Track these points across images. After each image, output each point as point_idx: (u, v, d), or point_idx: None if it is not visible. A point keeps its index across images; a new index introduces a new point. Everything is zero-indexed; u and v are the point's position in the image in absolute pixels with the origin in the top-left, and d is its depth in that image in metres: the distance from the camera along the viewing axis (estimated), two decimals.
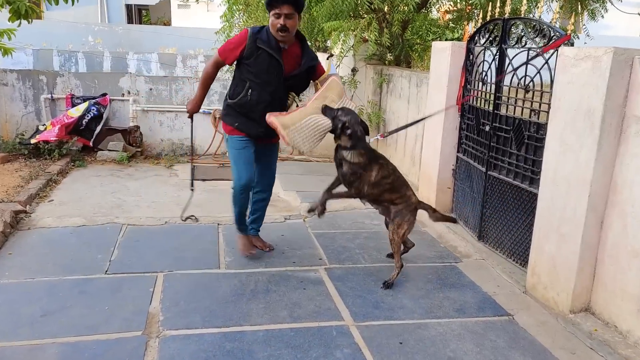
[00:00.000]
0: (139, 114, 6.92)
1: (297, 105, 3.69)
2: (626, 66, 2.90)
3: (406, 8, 6.11)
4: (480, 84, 4.45)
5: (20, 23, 6.33)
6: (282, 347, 2.84)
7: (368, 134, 3.62)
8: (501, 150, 4.10)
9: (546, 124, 3.47)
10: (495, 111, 4.16)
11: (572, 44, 3.38)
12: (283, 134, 3.33)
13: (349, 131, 3.41)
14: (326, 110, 3.48)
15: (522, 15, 3.97)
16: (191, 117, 3.95)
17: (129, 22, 24.70)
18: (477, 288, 3.71)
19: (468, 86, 4.70)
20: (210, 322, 3.03)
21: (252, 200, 3.93)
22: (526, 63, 3.75)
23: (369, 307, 3.34)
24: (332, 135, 3.55)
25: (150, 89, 7.04)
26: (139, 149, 6.88)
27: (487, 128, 4.22)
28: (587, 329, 3.11)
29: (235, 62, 3.62)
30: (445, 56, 4.85)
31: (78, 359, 2.64)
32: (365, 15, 6.24)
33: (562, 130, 3.26)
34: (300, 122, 3.36)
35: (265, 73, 3.50)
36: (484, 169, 4.31)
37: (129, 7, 25.39)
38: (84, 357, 2.65)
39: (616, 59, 2.86)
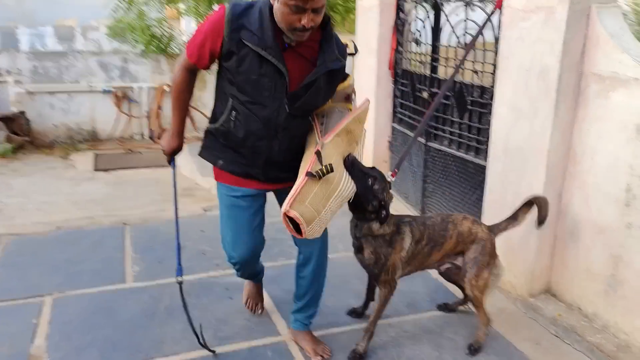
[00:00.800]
0: (23, 97, 5.91)
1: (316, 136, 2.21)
2: (582, 17, 2.52)
3: None
4: (414, 45, 4.00)
5: None
6: None
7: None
8: (442, 119, 3.69)
9: (492, 87, 3.08)
10: (433, 75, 3.73)
11: None
12: (305, 232, 2.00)
13: (384, 212, 2.30)
14: (353, 168, 2.21)
15: None
16: (170, 160, 2.41)
17: None
18: (425, 274, 3.32)
19: (400, 48, 4.24)
20: (112, 358, 2.42)
21: (298, 277, 2.54)
22: (464, 19, 3.32)
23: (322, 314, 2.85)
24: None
25: (35, 67, 6.02)
26: (27, 138, 5.90)
27: (425, 94, 3.79)
28: (550, 314, 2.81)
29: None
30: (373, 15, 4.34)
31: None
32: None
33: (512, 94, 2.87)
34: (326, 207, 2.06)
35: (255, 87, 2.08)
36: (423, 140, 3.90)
37: None
38: None
39: (572, 8, 2.47)
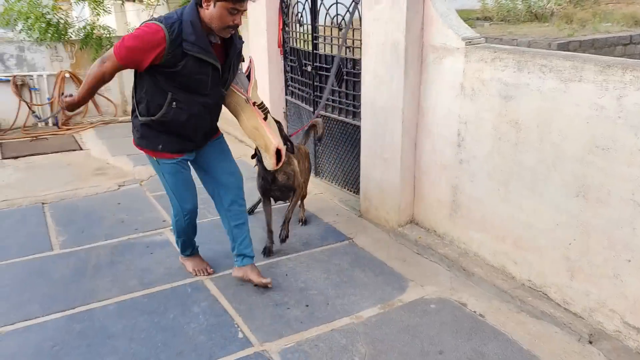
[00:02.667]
0: None
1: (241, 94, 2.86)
2: (419, 1, 3.20)
3: None
4: (298, 25, 4.56)
5: None
6: (136, 315, 2.78)
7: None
8: (323, 89, 4.31)
9: (360, 59, 3.72)
10: (315, 51, 4.32)
11: None
12: (284, 156, 2.94)
13: (288, 143, 3.10)
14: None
15: None
16: (63, 109, 2.71)
17: None
18: (319, 221, 3.97)
19: (287, 28, 4.78)
20: (52, 308, 2.82)
21: (230, 224, 3.04)
22: (336, 2, 3.93)
23: (220, 258, 3.39)
24: None
25: None
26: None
27: (309, 68, 4.38)
28: (413, 238, 3.56)
29: None
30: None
31: None
32: None
33: (374, 64, 3.53)
34: (278, 137, 2.91)
35: (197, 82, 2.58)
36: (311, 109, 4.51)
37: None
38: None
39: None
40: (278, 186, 3.32)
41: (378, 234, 3.74)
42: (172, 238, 3.63)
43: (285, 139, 3.07)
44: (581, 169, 2.51)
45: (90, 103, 6.72)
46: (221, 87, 2.71)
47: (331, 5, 4.00)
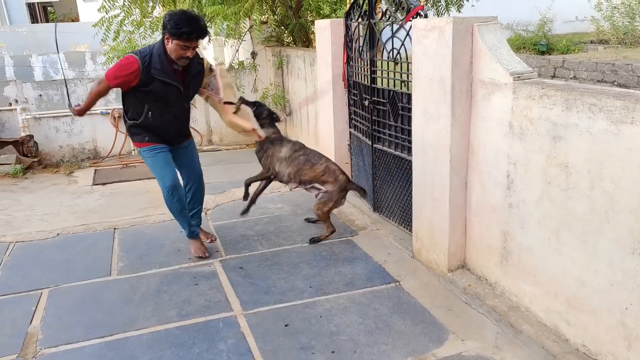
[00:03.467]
0: (30, 122, 6.59)
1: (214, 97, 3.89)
2: (467, 34, 3.02)
3: None
4: (359, 59, 4.52)
5: None
6: (165, 347, 2.85)
7: (279, 121, 4.29)
8: (382, 123, 4.21)
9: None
10: (373, 85, 4.25)
11: (425, 15, 3.49)
12: (259, 132, 3.99)
13: (274, 115, 4.20)
14: (246, 102, 4.03)
15: None
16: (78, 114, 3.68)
17: (33, 22, 23.28)
18: (369, 259, 3.84)
19: (350, 62, 4.76)
20: (93, 333, 2.98)
21: (187, 199, 3.94)
22: (391, 37, 3.85)
23: (260, 293, 3.39)
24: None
25: (40, 95, 6.70)
26: (36, 159, 6.57)
27: (367, 102, 4.31)
28: (462, 285, 3.30)
29: None
30: (326, 34, 4.89)
31: None
32: None
33: (424, 99, 3.38)
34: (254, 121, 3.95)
35: (163, 99, 3.48)
36: (370, 142, 4.42)
37: (31, 6, 23.88)
38: None
39: (456, 28, 2.98)
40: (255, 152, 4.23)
41: (427, 278, 3.52)
42: (220, 269, 3.73)
43: (262, 109, 4.15)
44: (636, 223, 2.17)
45: None
46: (184, 101, 3.64)
47: (387, 40, 3.92)
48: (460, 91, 3.10)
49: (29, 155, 6.50)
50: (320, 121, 5.42)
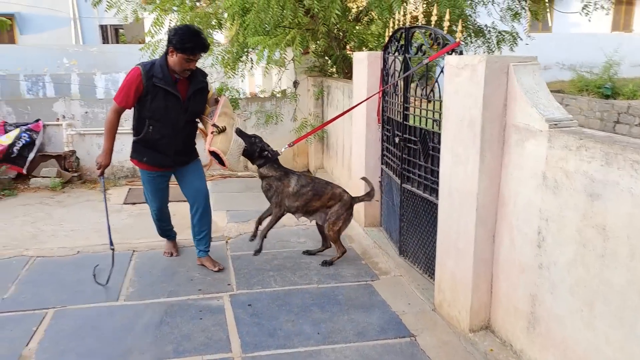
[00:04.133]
0: (74, 138, 6.77)
1: (208, 122, 3.80)
2: (502, 74, 2.78)
3: (332, 20, 5.91)
4: (394, 94, 4.34)
5: None
6: None
7: (279, 155, 4.14)
8: (412, 162, 3.98)
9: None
10: (405, 122, 4.04)
11: (460, 52, 3.27)
12: (225, 160, 3.66)
13: (265, 153, 4.01)
14: (242, 134, 3.95)
15: (421, 24, 3.84)
16: (102, 172, 3.83)
17: (104, 42, 24.60)
18: (386, 308, 3.56)
19: (386, 97, 4.58)
20: None
21: (193, 223, 4.06)
22: (425, 73, 3.65)
23: (264, 335, 3.19)
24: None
25: (86, 112, 6.89)
26: (76, 174, 6.72)
27: (397, 139, 4.10)
28: (483, 349, 2.97)
29: None
30: (363, 66, 4.74)
31: None
32: (292, 29, 6.09)
33: (452, 141, 3.14)
34: (230, 147, 3.71)
35: (164, 109, 3.59)
36: (399, 181, 4.19)
37: (103, 28, 25.27)
38: None
39: (490, 67, 2.75)
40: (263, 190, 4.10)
41: (447, 336, 3.21)
42: (228, 305, 3.56)
43: (254, 145, 3.99)
44: None
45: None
46: (183, 114, 3.67)
47: (421, 77, 3.72)
48: (491, 135, 2.85)
49: (69, 169, 6.65)
50: (353, 155, 5.24)
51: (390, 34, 4.34)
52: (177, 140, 3.76)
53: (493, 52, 7.01)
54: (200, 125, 3.95)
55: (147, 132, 3.64)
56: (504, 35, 6.93)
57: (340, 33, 6.98)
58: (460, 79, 2.99)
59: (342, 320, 3.39)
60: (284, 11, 5.61)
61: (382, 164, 4.78)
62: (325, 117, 7.09)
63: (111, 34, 26.69)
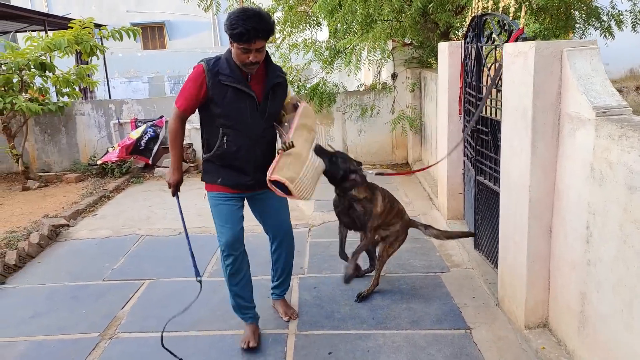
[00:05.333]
0: (191, 132, 7.53)
1: (282, 137, 3.02)
2: (555, 61, 2.65)
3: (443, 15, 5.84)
4: (470, 84, 4.24)
5: (91, 60, 7.29)
6: (216, 353, 3.03)
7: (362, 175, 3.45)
8: (484, 154, 3.88)
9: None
10: (479, 113, 3.94)
11: (525, 39, 3.13)
12: (292, 190, 2.82)
13: (353, 176, 3.34)
14: (321, 153, 3.20)
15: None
16: (176, 191, 3.14)
17: None
18: (448, 300, 3.56)
19: (467, 88, 4.48)
20: (162, 327, 3.30)
21: (272, 261, 3.41)
22: (494, 62, 3.54)
23: (321, 316, 3.39)
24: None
25: None
26: (193, 164, 7.49)
27: (469, 131, 4.01)
28: (536, 347, 2.87)
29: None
30: (444, 57, 4.69)
31: (36, 355, 3.08)
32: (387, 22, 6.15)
33: (510, 132, 3.05)
34: (302, 172, 2.89)
35: (237, 111, 2.89)
36: (474, 173, 4.10)
37: None
38: (42, 354, 3.09)
39: (539, 53, 2.63)
40: (355, 214, 3.42)
41: (503, 331, 3.14)
42: (295, 286, 3.81)
43: (345, 172, 3.32)
44: None
45: None
46: (261, 118, 2.93)
47: (491, 65, 3.61)
48: (544, 125, 2.72)
49: (187, 160, 7.44)
50: (438, 147, 5.19)
51: (468, 22, 4.25)
52: (257, 152, 2.98)
53: (611, 35, 6.39)
54: None
55: (222, 144, 2.92)
56: (621, 16, 6.27)
57: (443, 26, 6.87)
58: (515, 67, 2.89)
59: (400, 308, 3.47)
60: (370, 9, 5.70)
61: (464, 155, 4.68)
62: (423, 109, 7.03)
63: None
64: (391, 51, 7.29)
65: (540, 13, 6.52)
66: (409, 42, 7.28)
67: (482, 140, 3.89)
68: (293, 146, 2.85)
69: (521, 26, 3.14)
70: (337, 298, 3.63)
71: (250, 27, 2.67)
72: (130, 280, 4.03)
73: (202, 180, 3.14)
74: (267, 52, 2.93)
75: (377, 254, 3.71)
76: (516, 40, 3.14)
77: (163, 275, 4.08)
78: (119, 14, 20.07)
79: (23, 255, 4.41)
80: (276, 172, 2.79)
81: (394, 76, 7.38)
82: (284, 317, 3.38)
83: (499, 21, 3.51)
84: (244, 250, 3.13)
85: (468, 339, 3.10)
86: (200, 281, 3.17)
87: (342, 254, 3.69)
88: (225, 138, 2.92)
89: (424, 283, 3.82)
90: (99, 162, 7.18)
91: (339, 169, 3.31)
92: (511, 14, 3.27)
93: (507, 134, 3.10)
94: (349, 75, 8.40)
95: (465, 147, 4.62)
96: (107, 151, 7.45)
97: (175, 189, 3.11)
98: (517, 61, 2.86)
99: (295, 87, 7.26)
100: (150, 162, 7.38)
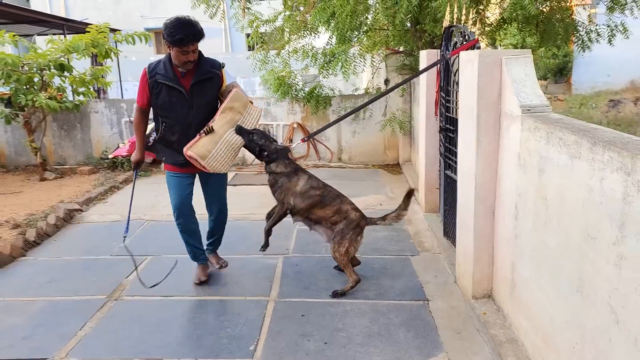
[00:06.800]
0: None
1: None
2: (495, 67, 3.12)
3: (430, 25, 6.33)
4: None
5: (105, 62, 7.86)
6: (204, 313, 3.53)
7: (288, 152, 3.99)
8: (451, 150, 4.35)
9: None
10: (447, 113, 4.42)
11: (478, 48, 3.62)
12: (204, 165, 3.52)
13: (265, 153, 3.80)
14: (241, 131, 3.70)
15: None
16: (136, 167, 3.94)
17: (249, 50, 27.27)
18: (414, 278, 4.02)
19: (442, 92, 4.96)
20: (159, 293, 3.81)
21: (209, 227, 4.21)
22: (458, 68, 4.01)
23: (300, 288, 3.87)
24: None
25: None
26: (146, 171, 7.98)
27: (438, 130, 4.49)
28: (479, 313, 3.32)
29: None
30: (423, 63, 5.17)
31: (53, 311, 3.59)
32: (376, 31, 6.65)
33: (463, 128, 3.52)
34: (214, 149, 3.53)
35: (169, 104, 3.57)
36: (443, 168, 4.57)
37: (248, 36, 27.97)
38: (57, 310, 3.60)
39: (482, 60, 3.12)
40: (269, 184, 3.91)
41: (456, 302, 3.60)
42: (280, 263, 4.29)
43: (261, 148, 3.80)
44: (580, 260, 2.14)
45: (311, 148, 8.04)
46: (190, 108, 3.59)
47: (456, 70, 4.09)
48: (487, 122, 3.20)
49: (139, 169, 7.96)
50: (419, 146, 5.66)
51: (442, 32, 4.73)
52: (189, 136, 3.57)
53: (587, 47, 6.85)
54: None
55: (162, 129, 3.69)
56: (597, 31, 6.74)
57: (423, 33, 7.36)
58: (466, 72, 3.37)
59: (369, 283, 3.93)
60: (363, 17, 6.21)
61: (440, 155, 5.15)
62: (412, 113, 7.51)
63: (256, 43, 29.29)
64: (384, 58, 7.79)
65: (526, 25, 7.01)
66: (400, 49, 7.78)
67: (450, 138, 4.36)
68: (212, 130, 3.55)
69: (476, 37, 3.63)
70: (316, 274, 4.11)
71: (188, 33, 3.38)
72: (135, 256, 4.52)
73: (156, 156, 3.98)
74: (200, 51, 3.59)
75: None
76: (472, 48, 3.63)
77: (164, 253, 4.59)
78: (134, 19, 20.79)
79: (41, 233, 4.94)
80: (191, 149, 3.51)
81: (386, 81, 7.88)
82: (216, 265, 4.22)
83: (461, 32, 4.00)
84: (189, 212, 3.95)
85: (425, 308, 3.56)
86: (124, 237, 3.91)
87: (268, 217, 4.08)
88: (163, 125, 3.70)
89: (394, 264, 4.28)
90: (110, 156, 7.74)
91: (256, 145, 3.80)
92: (470, 26, 3.75)
93: (461, 130, 3.58)
94: (347, 79, 8.92)
95: (440, 145, 5.09)
96: (118, 146, 7.99)
97: (134, 165, 3.94)
98: (468, 67, 3.34)
99: (294, 90, 7.78)
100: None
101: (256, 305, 3.62)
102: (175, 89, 3.54)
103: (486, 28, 7.60)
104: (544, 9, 6.86)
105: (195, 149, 3.51)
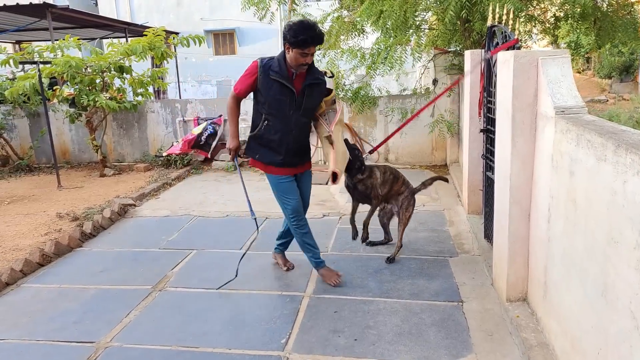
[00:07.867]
0: (246, 130, 8.30)
1: (323, 127, 3.81)
2: (531, 67, 3.08)
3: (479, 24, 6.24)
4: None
5: (162, 63, 8.24)
6: (242, 306, 3.68)
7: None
8: (491, 151, 4.29)
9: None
10: (488, 114, 4.37)
11: (518, 48, 3.56)
12: (339, 179, 3.77)
13: (363, 167, 4.21)
14: (348, 146, 4.06)
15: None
16: (235, 154, 3.88)
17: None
18: (450, 279, 4.01)
19: (485, 92, 4.89)
20: (202, 285, 4.00)
21: (284, 229, 4.23)
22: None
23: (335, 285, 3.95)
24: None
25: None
26: (246, 159, 8.24)
27: (479, 131, 4.43)
28: (512, 316, 3.28)
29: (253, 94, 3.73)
30: (468, 63, 5.12)
31: (103, 298, 3.85)
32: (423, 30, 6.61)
33: (500, 129, 3.48)
34: (343, 165, 3.91)
35: (278, 102, 3.58)
36: (484, 170, 4.51)
37: None
38: (107, 297, 3.86)
39: (517, 61, 3.08)
40: (359, 192, 4.29)
41: (491, 305, 3.56)
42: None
43: (357, 159, 4.13)
44: (604, 264, 2.10)
45: None
46: (297, 111, 3.63)
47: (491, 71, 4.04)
48: (522, 123, 3.15)
49: (241, 155, 8.20)
50: (463, 147, 5.60)
51: (486, 32, 4.67)
52: (290, 138, 3.68)
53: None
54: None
55: (263, 127, 3.67)
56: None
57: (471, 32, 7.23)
58: (502, 73, 3.34)
59: (405, 283, 3.96)
60: (406, 14, 6.20)
61: (482, 155, 5.08)
62: (461, 113, 7.41)
63: None
64: (433, 58, 7.73)
65: (583, 22, 6.76)
66: (450, 49, 7.68)
67: (491, 139, 4.31)
68: (333, 140, 3.73)
69: (516, 37, 3.58)
70: (352, 272, 4.17)
71: (311, 35, 3.43)
72: (181, 249, 4.77)
73: (244, 154, 4.00)
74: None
75: (397, 220, 4.46)
76: (512, 48, 3.58)
77: (208, 247, 4.79)
78: (194, 21, 21.49)
79: (97, 226, 5.28)
80: (336, 165, 3.72)
81: (434, 81, 7.81)
82: (284, 267, 4.26)
83: (502, 32, 3.94)
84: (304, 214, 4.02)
85: (458, 309, 3.55)
86: (255, 218, 4.05)
87: (352, 220, 4.46)
88: (266, 122, 3.69)
89: (432, 265, 4.28)
90: (164, 154, 8.12)
91: (357, 160, 4.15)
92: (510, 25, 3.70)
93: (498, 131, 3.54)
94: (397, 80, 8.91)
95: (484, 147, 5.02)
96: (172, 145, 8.37)
97: (234, 153, 3.89)
98: (504, 67, 3.30)
99: (341, 90, 7.85)
100: (209, 155, 8.22)
101: (292, 300, 3.73)
102: (287, 88, 3.56)
103: (547, 25, 7.40)
104: (601, 5, 6.59)
105: (338, 166, 3.74)
